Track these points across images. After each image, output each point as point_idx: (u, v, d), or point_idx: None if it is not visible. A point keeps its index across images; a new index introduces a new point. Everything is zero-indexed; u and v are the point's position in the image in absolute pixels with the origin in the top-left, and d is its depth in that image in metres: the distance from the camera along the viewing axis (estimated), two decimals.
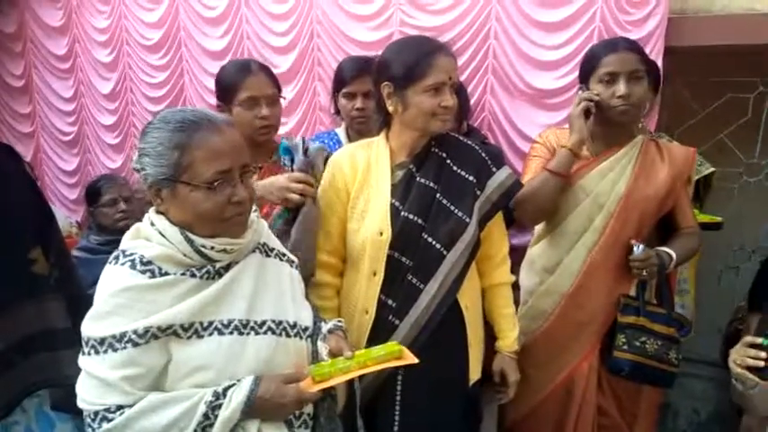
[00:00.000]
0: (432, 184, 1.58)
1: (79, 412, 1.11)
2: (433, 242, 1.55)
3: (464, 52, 2.71)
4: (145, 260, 1.11)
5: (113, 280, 1.10)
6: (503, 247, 1.73)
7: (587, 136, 1.78)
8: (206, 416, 1.07)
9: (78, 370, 1.12)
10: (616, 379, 1.83)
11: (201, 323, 1.11)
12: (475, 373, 1.68)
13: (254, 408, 1.10)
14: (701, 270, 2.76)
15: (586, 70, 1.83)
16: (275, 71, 1.93)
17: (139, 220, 1.21)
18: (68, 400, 1.51)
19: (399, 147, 1.64)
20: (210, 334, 1.12)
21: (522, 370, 1.94)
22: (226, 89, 1.78)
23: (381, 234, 1.56)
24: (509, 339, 1.73)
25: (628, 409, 1.90)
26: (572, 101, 2.54)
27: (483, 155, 1.65)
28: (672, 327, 1.81)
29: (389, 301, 1.59)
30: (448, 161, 1.61)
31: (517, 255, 1.97)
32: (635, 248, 1.74)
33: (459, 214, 1.57)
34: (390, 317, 1.58)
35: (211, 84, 3.34)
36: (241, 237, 1.19)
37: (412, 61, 1.51)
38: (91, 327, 1.09)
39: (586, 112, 1.78)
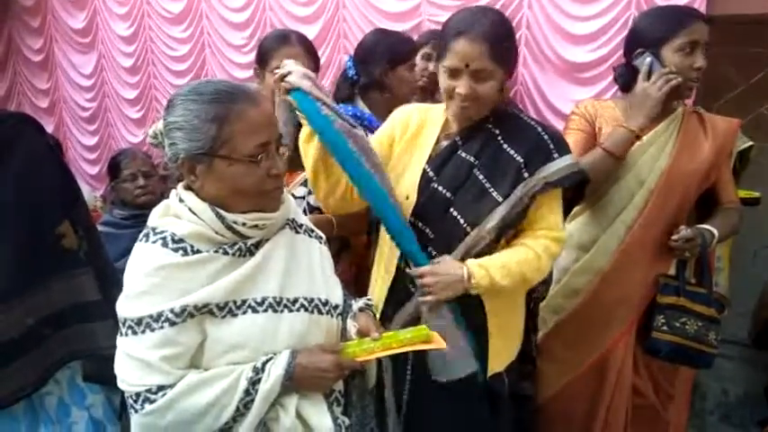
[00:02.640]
0: (471, 158, 1.52)
1: (110, 384, 1.10)
2: (459, 218, 1.50)
3: None
4: (176, 238, 1.08)
5: (146, 258, 1.08)
6: (546, 222, 1.53)
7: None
8: (247, 392, 1.06)
9: (109, 342, 1.11)
10: (653, 359, 1.79)
11: (235, 302, 1.10)
12: (496, 365, 1.58)
13: (295, 378, 1.09)
14: (735, 248, 2.67)
15: (658, 36, 1.66)
16: None
17: (163, 195, 1.18)
18: (100, 372, 1.54)
19: (453, 117, 1.59)
20: (244, 312, 1.10)
21: (553, 349, 1.92)
22: (262, 54, 1.85)
23: (407, 198, 1.54)
24: (477, 268, 1.42)
25: (663, 389, 1.86)
26: (604, 76, 2.48)
27: (545, 137, 1.51)
28: (712, 307, 1.75)
29: (408, 268, 1.55)
30: (499, 137, 1.53)
31: None
32: (682, 228, 1.66)
33: (494, 194, 1.48)
34: (409, 283, 1.55)
35: (234, 56, 3.34)
36: (275, 211, 1.16)
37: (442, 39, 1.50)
38: (127, 307, 1.07)
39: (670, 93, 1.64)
